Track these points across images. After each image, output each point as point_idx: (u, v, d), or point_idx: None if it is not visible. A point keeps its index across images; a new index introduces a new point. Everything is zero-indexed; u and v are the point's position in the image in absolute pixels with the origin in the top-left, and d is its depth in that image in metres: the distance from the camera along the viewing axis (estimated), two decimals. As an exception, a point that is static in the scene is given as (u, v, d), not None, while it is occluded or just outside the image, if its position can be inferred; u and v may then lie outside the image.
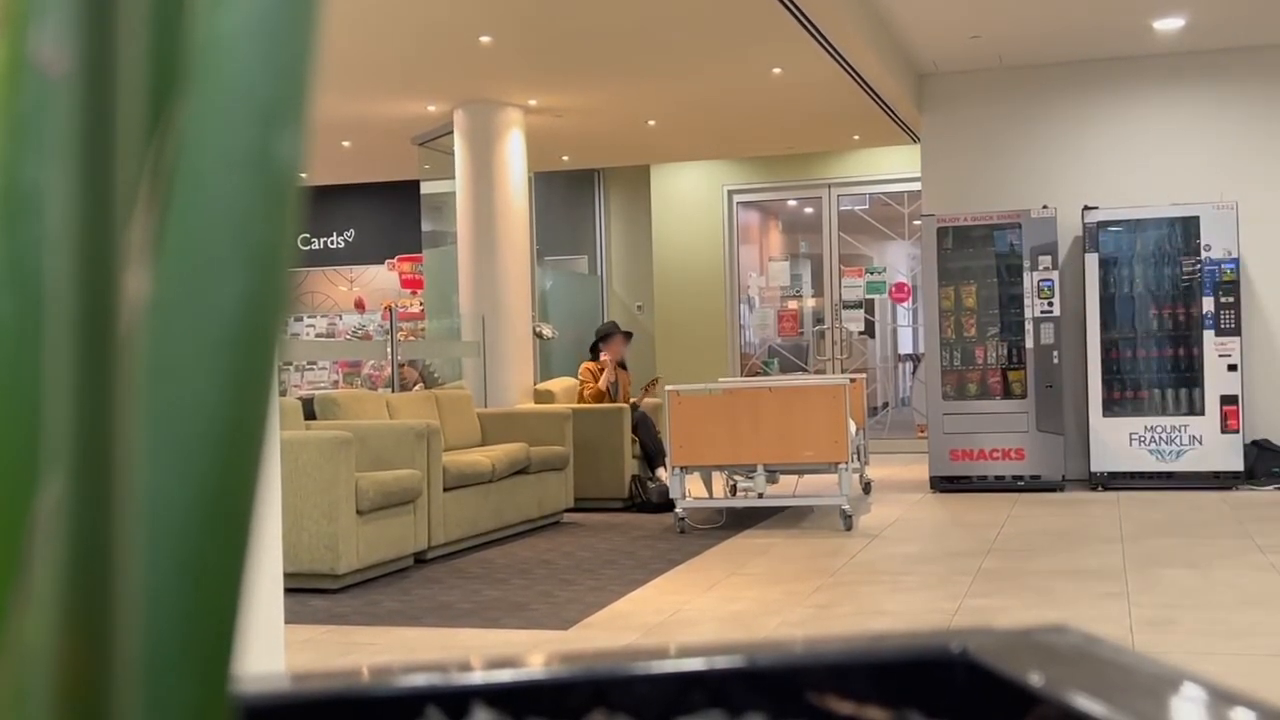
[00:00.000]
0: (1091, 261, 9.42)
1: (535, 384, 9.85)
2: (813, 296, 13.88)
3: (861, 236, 13.70)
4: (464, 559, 7.00)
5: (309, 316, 14.48)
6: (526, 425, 8.50)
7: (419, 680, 0.46)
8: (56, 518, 0.26)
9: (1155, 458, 9.25)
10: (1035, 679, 0.45)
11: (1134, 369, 9.45)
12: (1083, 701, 0.42)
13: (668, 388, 7.75)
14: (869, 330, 13.59)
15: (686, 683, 0.48)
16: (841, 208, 13.61)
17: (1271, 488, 9.04)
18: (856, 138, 12.14)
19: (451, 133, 9.98)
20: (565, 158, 12.64)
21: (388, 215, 13.95)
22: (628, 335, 9.77)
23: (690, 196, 13.89)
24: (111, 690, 0.27)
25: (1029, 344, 9.45)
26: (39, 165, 0.26)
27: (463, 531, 7.18)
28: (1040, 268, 9.42)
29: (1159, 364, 9.40)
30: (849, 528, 7.47)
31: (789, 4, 7.43)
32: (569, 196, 14.34)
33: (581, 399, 9.38)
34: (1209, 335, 9.19)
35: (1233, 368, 9.14)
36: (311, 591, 6.02)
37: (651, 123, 11.02)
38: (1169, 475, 9.22)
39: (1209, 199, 9.54)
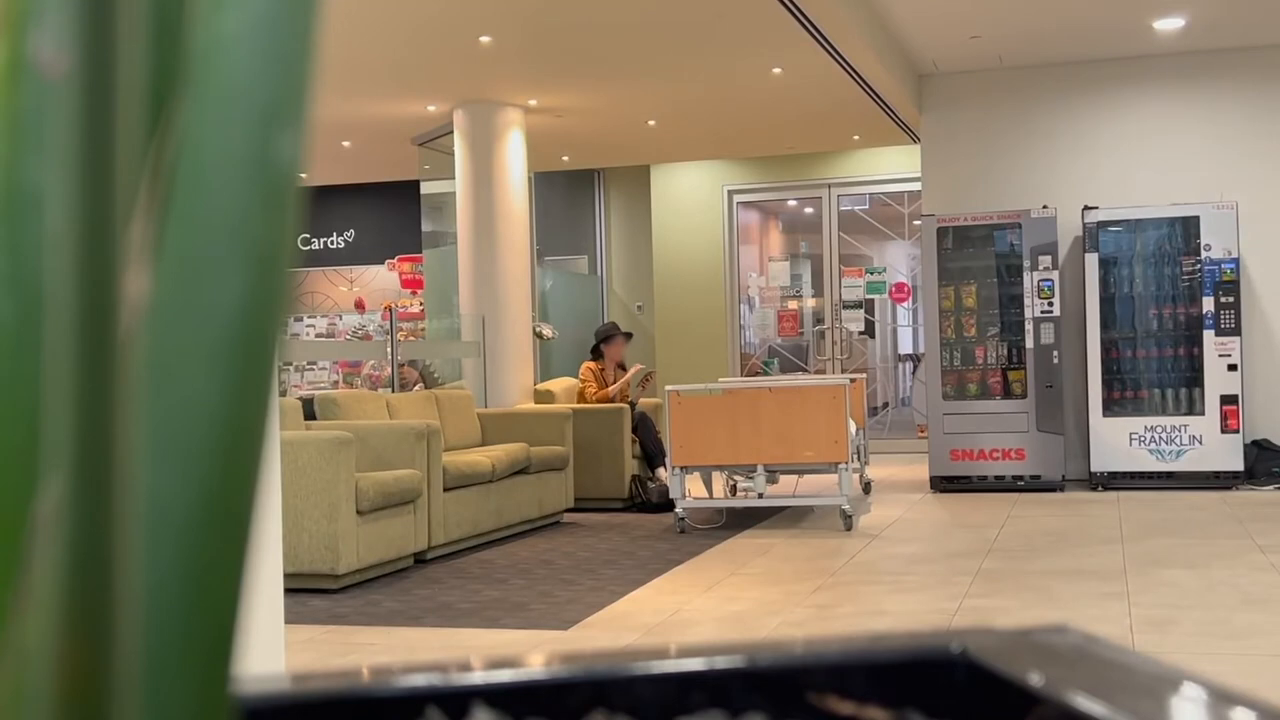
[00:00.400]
0: (1091, 261, 9.43)
1: (535, 384, 9.86)
2: (813, 296, 13.88)
3: (861, 236, 13.71)
4: (464, 559, 7.00)
5: (309, 316, 14.48)
6: (526, 425, 8.50)
7: (419, 680, 0.46)
8: (56, 518, 0.26)
9: (1155, 458, 9.25)
10: (1035, 679, 0.45)
11: (1134, 369, 9.45)
12: (1083, 701, 0.42)
13: (668, 388, 7.75)
14: (869, 330, 13.59)
15: (686, 683, 0.48)
16: (841, 208, 13.61)
17: (1271, 488, 9.04)
18: (856, 138, 12.14)
19: (451, 133, 9.99)
20: (565, 158, 12.65)
21: (388, 215, 13.95)
22: (628, 336, 9.78)
23: (690, 196, 13.90)
24: (111, 690, 0.27)
25: (1029, 344, 9.45)
26: (39, 165, 0.26)
27: (463, 531, 7.18)
28: (1040, 268, 9.43)
29: (1159, 364, 9.40)
30: (849, 528, 7.47)
31: (789, 4, 7.43)
32: (569, 196, 14.34)
33: (583, 398, 9.38)
34: (1209, 335, 9.19)
35: (1233, 367, 9.14)
36: (311, 591, 6.02)
37: (651, 123, 11.03)
38: (1169, 475, 9.22)
39: (1209, 199, 9.54)
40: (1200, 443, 9.17)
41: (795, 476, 8.58)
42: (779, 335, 13.94)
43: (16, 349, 0.26)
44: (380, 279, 14.28)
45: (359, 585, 6.21)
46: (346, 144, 11.48)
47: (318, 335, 14.39)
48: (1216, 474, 9.10)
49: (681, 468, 7.59)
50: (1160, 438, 9.24)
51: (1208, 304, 9.21)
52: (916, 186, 11.82)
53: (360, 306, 14.36)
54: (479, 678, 0.46)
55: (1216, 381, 9.16)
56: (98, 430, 0.26)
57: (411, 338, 11.44)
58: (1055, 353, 9.39)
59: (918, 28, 9.02)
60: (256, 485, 0.29)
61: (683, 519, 7.65)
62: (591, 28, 7.99)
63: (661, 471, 8.86)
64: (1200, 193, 9.68)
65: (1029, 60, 10.01)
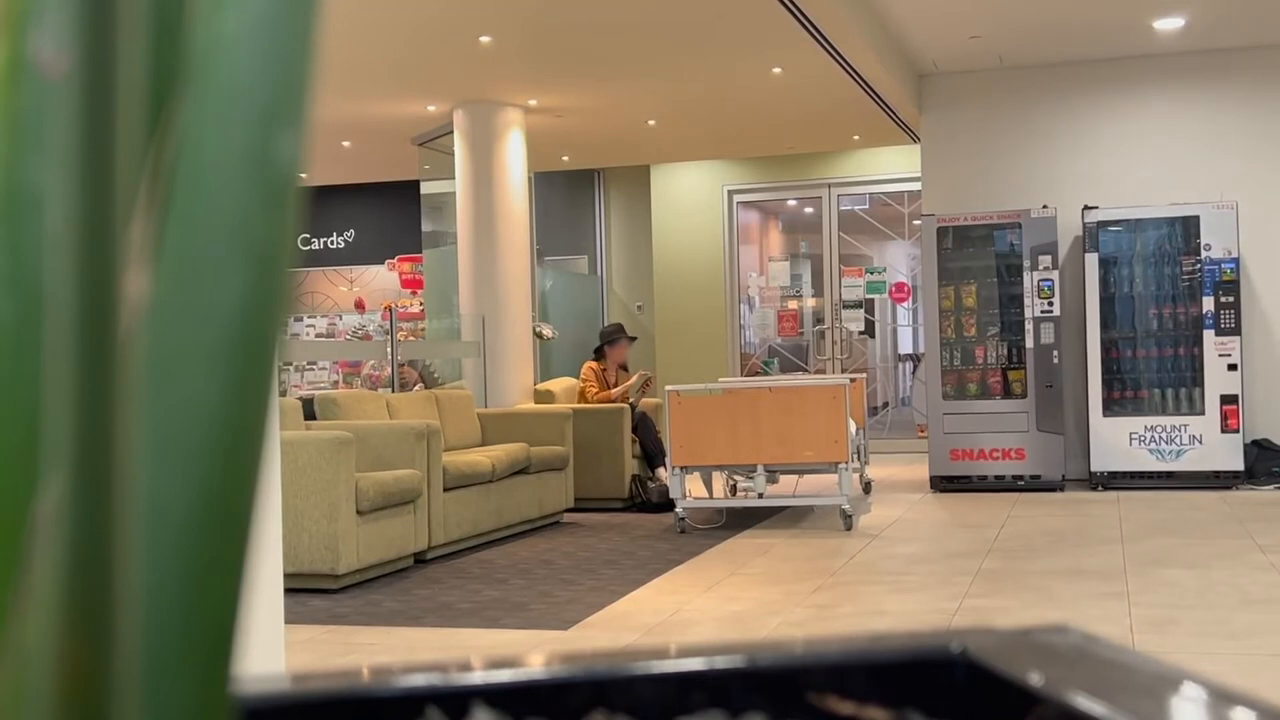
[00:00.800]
0: (1091, 261, 9.43)
1: (535, 384, 9.86)
2: (813, 296, 13.88)
3: (861, 236, 13.71)
4: (464, 559, 7.00)
5: (309, 316, 14.48)
6: (526, 425, 8.50)
7: (419, 680, 0.46)
8: (56, 518, 0.26)
9: (1155, 457, 9.25)
10: (1035, 679, 0.45)
11: (1134, 369, 9.45)
12: (1083, 701, 0.42)
13: (668, 388, 7.75)
14: (869, 330, 13.59)
15: (686, 683, 0.48)
16: (841, 208, 13.61)
17: (1271, 487, 9.04)
18: (856, 138, 12.14)
19: (451, 133, 9.99)
20: (565, 158, 12.65)
21: (388, 215, 13.95)
22: (632, 339, 9.80)
23: (690, 196, 13.90)
24: (111, 690, 0.27)
25: (1029, 344, 9.45)
26: (39, 165, 0.26)
27: (463, 531, 7.18)
28: (1040, 267, 9.43)
29: (1159, 364, 9.40)
30: (849, 528, 7.47)
31: (789, 4, 7.43)
32: (569, 196, 14.34)
33: (584, 398, 9.38)
34: (1209, 335, 9.19)
35: (1233, 367, 9.15)
36: (311, 591, 6.02)
37: (651, 123, 11.03)
38: (1169, 475, 9.22)
39: (1209, 199, 9.54)
40: (1200, 442, 9.17)
41: (795, 476, 8.58)
42: (779, 335, 13.95)
43: (16, 349, 0.26)
44: (380, 279, 14.28)
45: (359, 585, 6.21)
46: (346, 144, 11.48)
47: (318, 335, 14.39)
48: (1216, 474, 9.10)
49: (681, 468, 7.59)
50: (1160, 437, 9.24)
51: (1208, 304, 9.21)
52: (916, 186, 11.81)
53: (360, 306, 14.36)
54: (479, 678, 0.46)
55: (1216, 381, 9.16)
56: (98, 430, 0.26)
57: (411, 338, 11.44)
58: (1055, 352, 9.39)
59: (917, 28, 9.02)
60: (256, 485, 0.29)
61: (683, 519, 7.65)
62: (591, 28, 7.99)
63: (661, 471, 8.86)
64: (1200, 193, 9.68)
65: (1029, 60, 10.01)
